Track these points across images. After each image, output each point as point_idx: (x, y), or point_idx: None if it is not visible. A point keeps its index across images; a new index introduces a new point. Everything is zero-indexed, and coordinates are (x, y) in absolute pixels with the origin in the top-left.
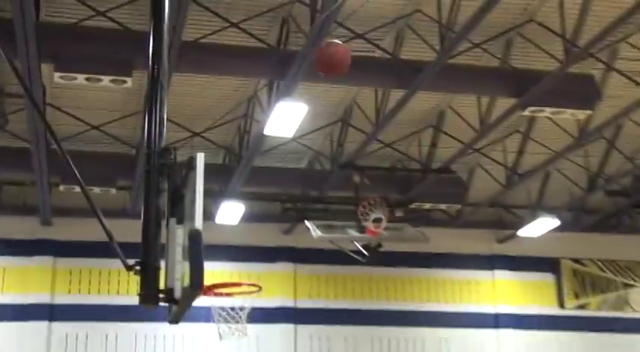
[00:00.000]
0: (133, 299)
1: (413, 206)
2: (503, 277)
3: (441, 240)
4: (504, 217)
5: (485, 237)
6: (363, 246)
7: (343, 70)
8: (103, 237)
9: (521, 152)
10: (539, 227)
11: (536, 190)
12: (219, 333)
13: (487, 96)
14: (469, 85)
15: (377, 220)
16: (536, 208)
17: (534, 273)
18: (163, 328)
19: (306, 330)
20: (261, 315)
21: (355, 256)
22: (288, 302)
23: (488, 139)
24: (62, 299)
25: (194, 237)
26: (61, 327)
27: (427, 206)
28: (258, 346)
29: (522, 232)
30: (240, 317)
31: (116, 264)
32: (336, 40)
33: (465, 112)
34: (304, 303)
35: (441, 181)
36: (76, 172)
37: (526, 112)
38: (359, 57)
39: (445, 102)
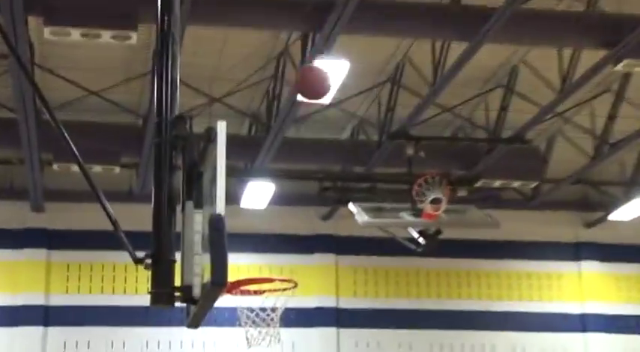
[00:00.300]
0: (144, 300)
1: (479, 184)
2: (591, 269)
3: (514, 225)
4: (592, 196)
5: (569, 220)
6: (419, 233)
7: (325, 92)
8: (107, 225)
9: (612, 117)
10: (635, 208)
11: (632, 163)
12: (247, 339)
13: (570, 48)
14: (547, 35)
15: (435, 201)
16: (632, 185)
17: (629, 265)
18: (180, 333)
19: (350, 335)
20: (297, 317)
21: (409, 245)
22: (329, 302)
23: (571, 101)
24: (59, 300)
25: (216, 223)
26: (58, 333)
27: (497, 184)
28: (293, 349)
29: (614, 215)
30: (272, 320)
31: (123, 257)
32: (315, 64)
33: (542, 68)
34: (348, 303)
35: (513, 153)
36: (73, 147)
37: (619, 67)
38: (412, 3)
39: (517, 57)
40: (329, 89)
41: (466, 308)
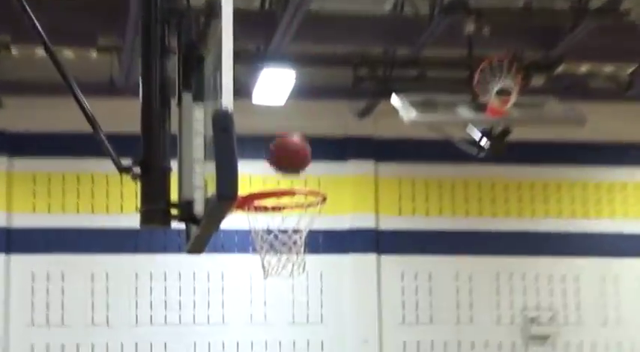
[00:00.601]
0: (131, 220)
1: (560, 69)
2: None
3: (604, 122)
4: None
5: None
6: (482, 134)
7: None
8: (84, 126)
9: None
10: None
11: None
12: (264, 268)
13: None
14: None
15: (503, 92)
16: None
17: None
18: (178, 262)
19: (394, 263)
20: (327, 241)
21: (469, 149)
22: (367, 221)
23: None
24: (24, 220)
25: (221, 121)
26: (23, 263)
27: (583, 68)
28: (321, 286)
29: None
30: (295, 244)
31: (104, 165)
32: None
33: None
34: (391, 222)
35: (604, 30)
36: (37, 25)
37: None
38: None
39: None
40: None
41: (542, 228)
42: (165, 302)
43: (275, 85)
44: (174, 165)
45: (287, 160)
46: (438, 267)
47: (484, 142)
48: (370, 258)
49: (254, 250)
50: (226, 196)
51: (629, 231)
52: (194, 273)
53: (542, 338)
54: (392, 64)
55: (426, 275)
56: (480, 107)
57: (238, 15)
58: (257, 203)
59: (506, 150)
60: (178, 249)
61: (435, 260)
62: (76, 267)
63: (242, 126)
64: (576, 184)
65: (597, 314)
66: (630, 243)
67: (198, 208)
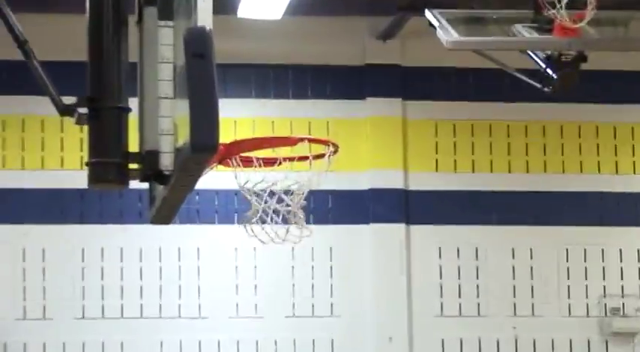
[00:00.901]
0: (76, 177)
1: None
2: None
3: None
4: None
5: None
6: (548, 60)
7: None
8: (11, 52)
9: None
10: None
11: None
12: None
13: None
14: None
15: (575, 5)
16: None
17: None
18: (139, 235)
19: (429, 235)
20: (339, 206)
21: (531, 81)
22: (393, 179)
23: None
24: None
25: (197, 45)
26: None
27: None
28: (331, 266)
29: None
30: (297, 211)
31: (39, 105)
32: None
33: None
34: (425, 180)
35: None
36: None
37: None
38: None
39: None
40: None
41: (629, 188)
42: (122, 288)
43: None
44: (133, 104)
45: None
46: (487, 241)
47: (551, 72)
48: (397, 228)
49: (241, 220)
50: (203, 145)
51: None
52: (160, 250)
53: (628, 335)
54: None
55: (470, 252)
56: (546, 24)
57: None
58: (245, 155)
59: (579, 83)
60: (139, 218)
61: (482, 231)
62: (8, 242)
63: (225, 50)
64: None
65: None
66: None
67: (166, 162)
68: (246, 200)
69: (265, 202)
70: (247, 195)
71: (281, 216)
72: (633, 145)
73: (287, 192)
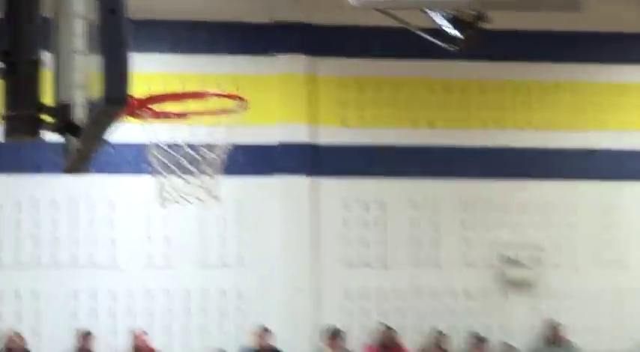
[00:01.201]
0: None
1: None
2: None
3: (608, 9)
4: None
5: None
6: (451, 21)
7: None
8: None
9: None
10: None
11: None
12: (161, 194)
13: None
14: None
15: None
16: None
17: None
18: (53, 185)
19: (335, 188)
20: (248, 159)
21: (434, 40)
22: (300, 133)
23: None
24: None
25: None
26: None
27: None
28: (240, 218)
29: None
30: (206, 163)
31: None
32: None
33: None
34: (332, 135)
35: None
36: None
37: None
38: None
39: None
40: None
41: (527, 143)
42: (37, 237)
43: None
44: (47, 58)
45: None
46: (392, 194)
47: (453, 31)
48: (304, 181)
49: (153, 171)
50: (116, 98)
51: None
52: (74, 200)
53: (523, 285)
54: None
55: (376, 204)
56: None
57: None
58: (156, 108)
59: (481, 42)
60: (53, 168)
61: (387, 184)
62: None
63: (139, 6)
64: (575, 86)
65: (594, 254)
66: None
67: (79, 114)
68: (156, 152)
69: (177, 154)
70: (159, 148)
71: (192, 169)
72: (533, 102)
73: (196, 146)
